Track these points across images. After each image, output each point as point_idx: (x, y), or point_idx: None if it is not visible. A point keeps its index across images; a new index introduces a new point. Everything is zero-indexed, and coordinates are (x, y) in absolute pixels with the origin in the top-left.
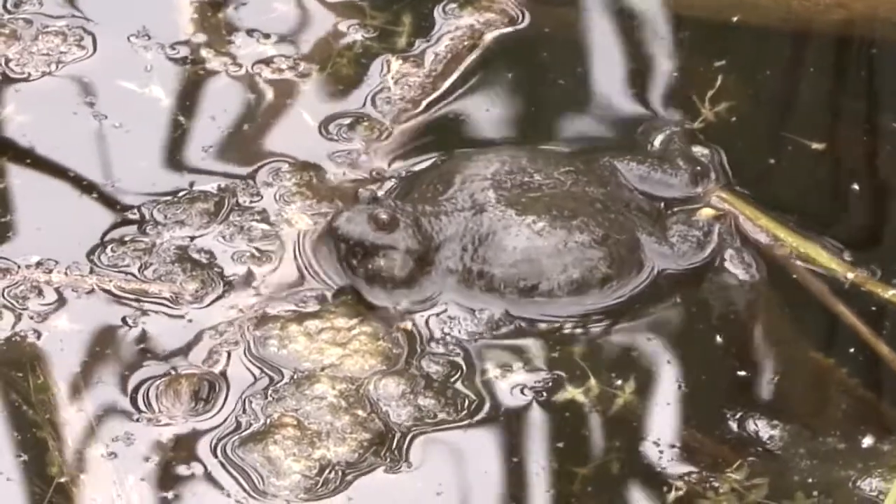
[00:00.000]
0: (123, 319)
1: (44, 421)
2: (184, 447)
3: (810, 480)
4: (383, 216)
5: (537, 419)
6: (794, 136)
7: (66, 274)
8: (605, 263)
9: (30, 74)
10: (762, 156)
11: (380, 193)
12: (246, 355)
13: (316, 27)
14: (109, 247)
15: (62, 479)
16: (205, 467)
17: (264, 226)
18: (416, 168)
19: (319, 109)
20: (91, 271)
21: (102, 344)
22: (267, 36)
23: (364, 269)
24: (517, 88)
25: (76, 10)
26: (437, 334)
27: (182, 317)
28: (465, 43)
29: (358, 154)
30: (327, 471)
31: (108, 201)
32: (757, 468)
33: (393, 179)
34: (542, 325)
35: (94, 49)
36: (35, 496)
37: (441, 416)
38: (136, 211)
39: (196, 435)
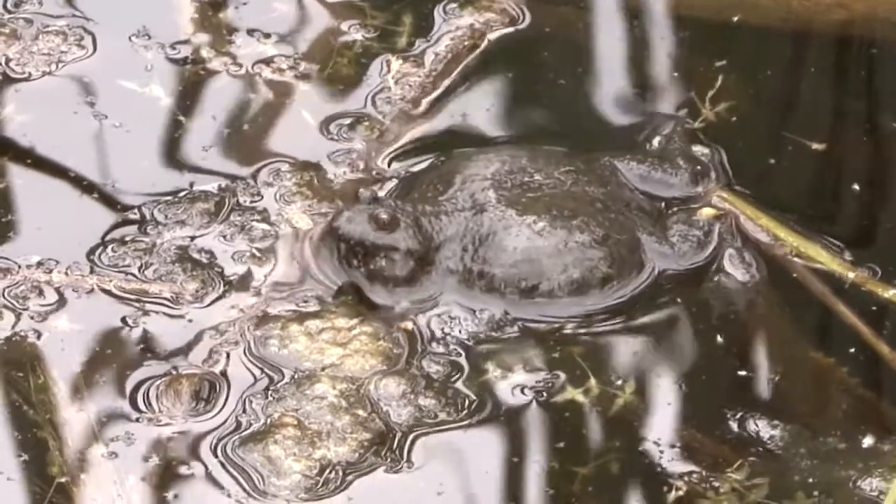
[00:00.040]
0: (124, 319)
1: (44, 421)
2: (184, 447)
3: (811, 480)
4: (384, 216)
5: (538, 419)
6: (794, 136)
7: (66, 274)
8: (606, 263)
9: (30, 74)
10: (762, 155)
11: (380, 193)
12: (246, 355)
13: (316, 27)
14: (110, 247)
15: (63, 479)
16: (205, 467)
17: (265, 226)
18: (417, 168)
19: (320, 109)
20: (91, 271)
21: (103, 344)
22: (267, 36)
23: (366, 268)
24: (517, 88)
25: (76, 9)
26: (438, 334)
27: (182, 317)
28: (466, 43)
29: (358, 154)
30: (328, 471)
31: (109, 201)
32: (757, 468)
33: (393, 179)
34: (543, 326)
35: (95, 49)
36: (35, 496)
37: (441, 416)
38: (136, 211)
39: (196, 435)
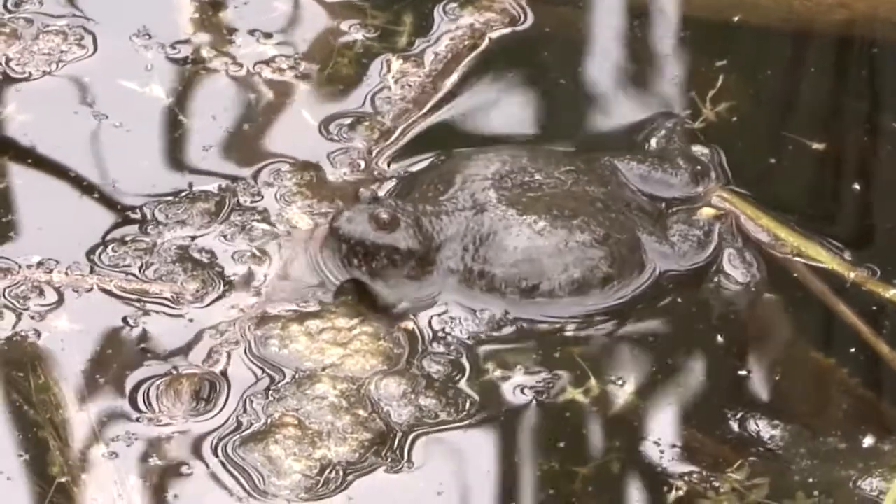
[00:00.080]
0: (124, 319)
1: (45, 421)
2: (184, 447)
3: (811, 480)
4: (384, 216)
5: (538, 419)
6: (794, 136)
7: (66, 274)
8: (607, 263)
9: (30, 74)
10: (763, 155)
11: (380, 193)
12: (247, 355)
13: (316, 27)
14: (110, 246)
15: (63, 479)
16: (206, 467)
17: (265, 226)
18: (417, 168)
19: (320, 109)
20: (92, 271)
21: (103, 344)
22: (267, 36)
23: (367, 267)
24: (518, 88)
25: (77, 9)
26: (439, 334)
27: (183, 317)
28: (466, 42)
29: (359, 154)
30: (328, 470)
31: (109, 201)
32: (758, 468)
33: (393, 179)
34: (543, 326)
35: (95, 48)
36: (36, 496)
37: (442, 416)
38: (136, 210)
39: (197, 435)
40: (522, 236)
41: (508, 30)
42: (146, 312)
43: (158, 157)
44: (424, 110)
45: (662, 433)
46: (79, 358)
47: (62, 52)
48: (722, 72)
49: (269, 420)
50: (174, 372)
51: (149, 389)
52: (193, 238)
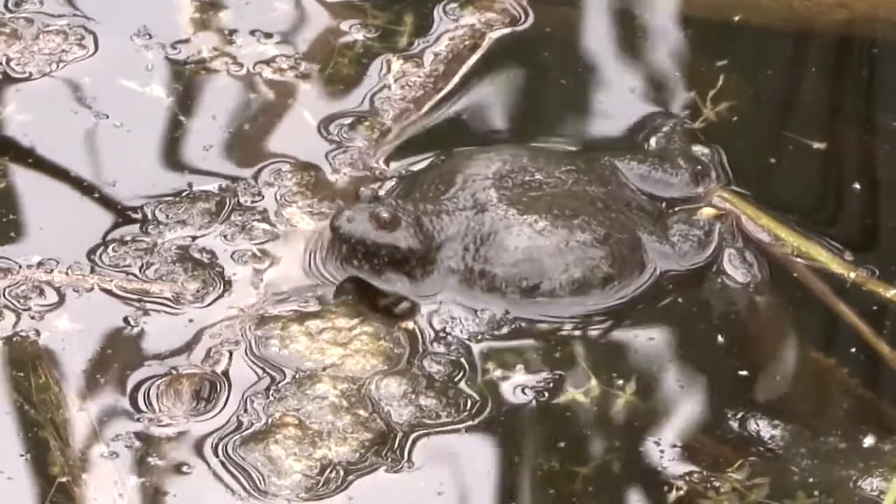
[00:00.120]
0: (125, 319)
1: (45, 420)
2: (185, 447)
3: (811, 480)
4: (384, 215)
5: (538, 419)
6: (795, 136)
7: (67, 274)
8: (607, 262)
9: (31, 74)
10: (763, 155)
11: (381, 192)
12: (247, 355)
13: (317, 27)
14: (111, 246)
15: (64, 479)
16: (206, 467)
17: (265, 225)
18: (417, 167)
19: (320, 109)
20: (92, 271)
21: (104, 344)
22: (268, 35)
23: (369, 266)
24: (518, 88)
25: (77, 9)
26: (439, 334)
27: (183, 316)
28: (467, 42)
29: (359, 154)
30: (328, 470)
31: (110, 201)
32: (758, 468)
33: (394, 179)
34: (544, 325)
35: (96, 48)
36: (37, 495)
37: (442, 416)
38: (137, 210)
39: (197, 435)
40: (523, 236)
41: (509, 30)
42: (147, 312)
43: (159, 157)
44: (425, 110)
45: (663, 433)
46: (79, 358)
47: (63, 51)
48: (722, 72)
49: (269, 420)
50: (174, 372)
51: (149, 389)
52: (194, 238)
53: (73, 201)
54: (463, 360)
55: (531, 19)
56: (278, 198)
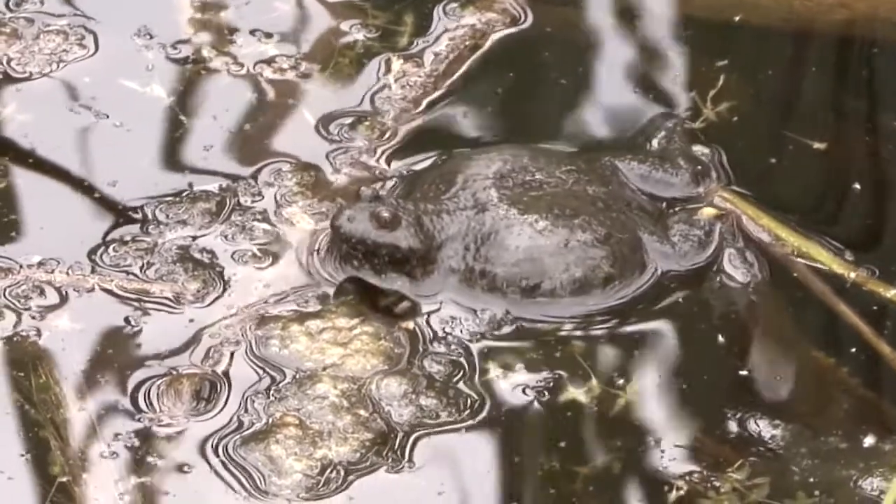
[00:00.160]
0: (125, 319)
1: (46, 420)
2: (185, 446)
3: (811, 480)
4: (385, 214)
5: (539, 419)
6: (795, 136)
7: (67, 273)
8: (608, 262)
9: (31, 74)
10: (763, 155)
11: (382, 192)
12: (247, 355)
13: (317, 27)
14: (111, 246)
15: (64, 479)
16: (206, 467)
17: (266, 225)
18: (418, 167)
19: (321, 109)
20: (93, 271)
21: (104, 343)
22: (268, 35)
23: (369, 266)
24: (519, 88)
25: (77, 9)
26: (439, 334)
27: (183, 316)
28: (467, 42)
29: (359, 153)
30: (329, 470)
31: (110, 201)
32: (758, 468)
33: (394, 179)
34: (544, 325)
35: (96, 48)
36: (37, 495)
37: (443, 415)
38: (137, 210)
39: (198, 434)
40: (524, 235)
41: (509, 30)
42: (147, 312)
43: (159, 157)
44: (425, 110)
45: (663, 433)
46: (80, 357)
47: (63, 51)
48: (723, 72)
49: (269, 420)
50: (175, 372)
51: (150, 389)
52: (194, 238)
53: (74, 201)
54: (463, 359)
55: (531, 19)
56: (278, 198)
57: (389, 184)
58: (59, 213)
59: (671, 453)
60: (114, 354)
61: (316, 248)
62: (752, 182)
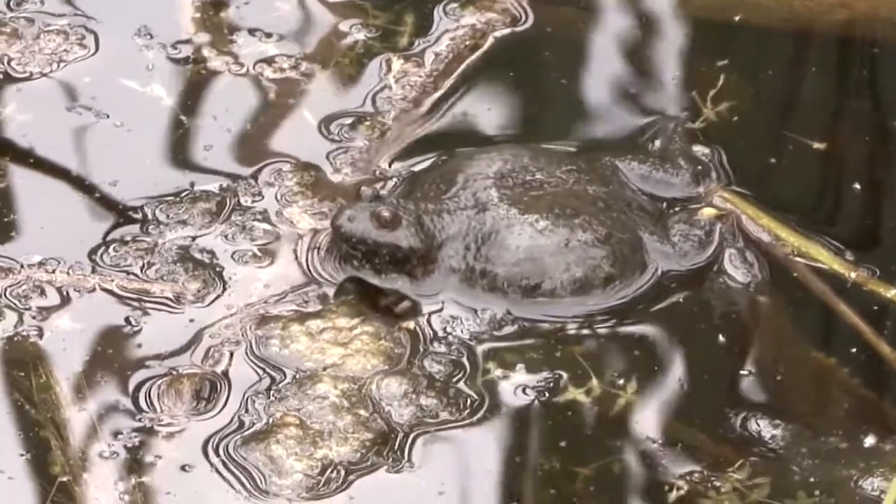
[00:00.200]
0: (125, 319)
1: (46, 420)
2: (186, 446)
3: (812, 480)
4: (385, 214)
5: (539, 419)
6: (795, 136)
7: (68, 273)
8: (609, 262)
9: (31, 73)
10: (764, 155)
11: (382, 192)
12: (248, 355)
13: (318, 27)
14: (111, 246)
15: (64, 478)
16: (207, 466)
17: (266, 225)
18: (418, 167)
19: (321, 109)
20: (93, 271)
21: (104, 343)
22: (269, 35)
23: (369, 266)
24: (519, 88)
25: (78, 8)
26: (440, 334)
27: (184, 316)
28: (467, 42)
29: (360, 153)
30: (329, 470)
31: (110, 201)
32: (759, 467)
33: (395, 178)
34: (545, 325)
35: (96, 48)
36: (37, 495)
37: (443, 415)
38: (138, 210)
39: (198, 434)
40: (524, 235)
41: (509, 30)
42: (147, 312)
43: (159, 157)
44: (425, 110)
45: (663, 433)
46: (80, 357)
47: (63, 51)
48: (723, 72)
49: (270, 420)
50: (175, 371)
51: (150, 389)
52: (194, 238)
53: (74, 201)
54: (464, 359)
55: (532, 19)
56: (279, 197)
57: (390, 184)
58: (60, 213)
59: (671, 453)
60: (114, 354)
61: (316, 247)
62: (752, 182)
